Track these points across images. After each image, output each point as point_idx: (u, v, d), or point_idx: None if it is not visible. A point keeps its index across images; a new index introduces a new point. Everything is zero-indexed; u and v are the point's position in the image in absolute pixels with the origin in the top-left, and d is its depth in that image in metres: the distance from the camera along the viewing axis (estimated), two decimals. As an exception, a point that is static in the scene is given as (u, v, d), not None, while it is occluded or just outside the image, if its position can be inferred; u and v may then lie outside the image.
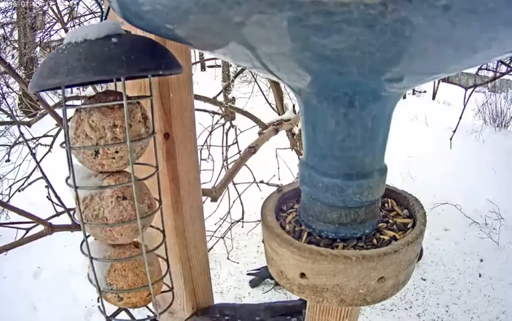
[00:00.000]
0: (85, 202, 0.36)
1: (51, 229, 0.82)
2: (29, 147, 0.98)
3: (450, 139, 1.58)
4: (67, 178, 0.36)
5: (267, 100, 2.09)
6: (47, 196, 0.97)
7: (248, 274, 2.31)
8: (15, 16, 4.20)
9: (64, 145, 0.35)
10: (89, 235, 0.40)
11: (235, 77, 2.41)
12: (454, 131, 1.58)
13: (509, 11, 0.18)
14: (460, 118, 1.52)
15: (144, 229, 0.38)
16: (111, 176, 0.37)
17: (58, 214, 1.01)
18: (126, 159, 0.36)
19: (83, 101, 0.35)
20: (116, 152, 0.35)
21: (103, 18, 0.35)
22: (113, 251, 0.38)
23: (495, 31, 0.20)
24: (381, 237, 0.35)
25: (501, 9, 0.18)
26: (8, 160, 1.97)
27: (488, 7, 0.18)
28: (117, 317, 0.41)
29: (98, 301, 0.41)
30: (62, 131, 0.38)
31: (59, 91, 0.33)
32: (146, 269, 0.38)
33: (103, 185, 0.36)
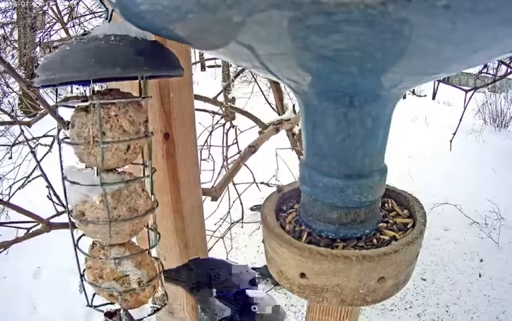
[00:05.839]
0: (115, 197, 0.35)
1: (49, 227, 0.82)
2: (30, 146, 0.98)
3: (450, 141, 1.57)
4: (64, 177, 0.36)
5: (267, 100, 2.08)
6: (48, 196, 0.98)
7: (252, 269, 2.33)
8: (15, 16, 4.19)
9: (95, 142, 0.34)
10: (82, 235, 0.39)
11: (235, 77, 2.41)
12: (454, 133, 1.57)
13: (509, 10, 0.18)
14: (460, 120, 1.52)
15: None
16: (124, 173, 0.37)
17: (59, 214, 1.01)
18: (137, 155, 0.37)
19: (94, 98, 0.34)
20: (140, 146, 0.36)
21: (109, 18, 0.35)
22: (126, 249, 0.38)
23: (495, 30, 0.20)
24: (382, 237, 0.35)
25: (501, 8, 0.18)
26: (10, 158, 1.97)
27: (488, 6, 0.18)
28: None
29: (96, 307, 0.40)
30: (63, 130, 0.38)
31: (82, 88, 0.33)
32: (158, 256, 0.40)
33: (130, 178, 0.36)
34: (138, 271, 0.38)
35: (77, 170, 0.36)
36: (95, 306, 0.40)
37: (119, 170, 0.38)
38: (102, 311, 0.40)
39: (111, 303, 0.40)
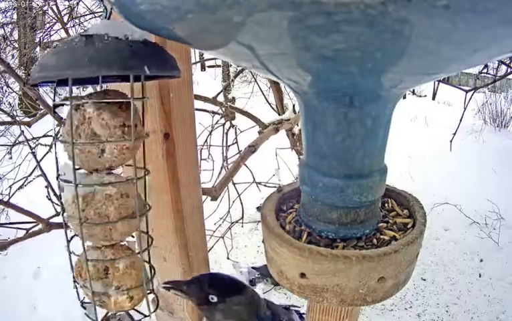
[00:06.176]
0: (86, 200, 0.35)
1: (49, 226, 0.82)
2: (30, 146, 0.98)
3: (450, 141, 1.57)
4: (59, 175, 0.36)
5: (267, 100, 2.08)
6: (47, 196, 0.98)
7: (253, 268, 2.34)
8: (15, 16, 4.19)
9: (64, 140, 0.34)
10: (74, 235, 0.39)
11: (235, 77, 2.41)
12: (454, 133, 1.57)
13: (509, 10, 0.18)
14: (461, 120, 1.51)
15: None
16: (110, 175, 0.37)
17: (58, 213, 1.01)
18: (127, 158, 0.37)
19: (86, 99, 0.35)
20: (121, 150, 0.36)
21: (107, 18, 0.35)
22: (110, 253, 0.38)
23: (495, 30, 0.20)
24: (382, 237, 0.35)
25: (501, 8, 0.18)
26: (10, 158, 1.98)
27: (487, 6, 0.18)
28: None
29: (85, 309, 0.40)
30: (60, 128, 0.38)
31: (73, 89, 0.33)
32: (145, 265, 0.39)
33: (110, 182, 0.36)
34: (119, 276, 0.38)
35: (69, 168, 0.36)
36: (82, 303, 0.40)
37: (114, 171, 0.38)
38: (85, 308, 0.40)
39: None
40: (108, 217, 0.35)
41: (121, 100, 0.35)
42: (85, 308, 0.40)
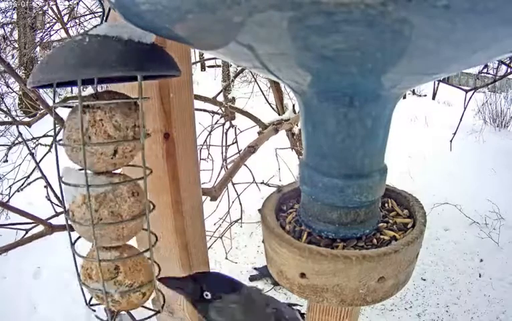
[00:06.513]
0: (99, 200, 0.35)
1: (51, 229, 0.82)
2: (28, 147, 0.98)
3: (450, 141, 1.57)
4: (61, 178, 0.36)
5: (267, 100, 2.08)
6: (47, 197, 0.98)
7: (254, 269, 2.34)
8: (15, 16, 4.19)
9: (69, 144, 0.34)
10: (79, 237, 0.39)
11: (235, 77, 2.41)
12: (454, 133, 1.57)
13: (509, 10, 0.18)
14: (460, 120, 1.51)
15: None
16: (117, 175, 0.37)
17: (58, 214, 1.01)
18: (132, 158, 0.37)
19: (79, 100, 0.35)
20: (133, 149, 0.36)
21: (105, 18, 0.35)
22: (119, 252, 0.38)
23: (495, 30, 0.20)
24: (382, 237, 0.35)
25: (501, 8, 0.18)
26: (6, 161, 1.97)
27: (487, 6, 0.18)
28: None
29: (94, 311, 0.40)
30: (64, 131, 0.38)
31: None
32: (152, 261, 0.39)
33: (119, 181, 0.36)
34: (130, 273, 0.38)
35: (73, 170, 0.36)
36: (91, 305, 0.40)
37: (117, 171, 0.38)
38: (95, 310, 0.40)
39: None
40: (121, 216, 0.36)
41: (129, 100, 0.35)
42: (94, 310, 0.40)
